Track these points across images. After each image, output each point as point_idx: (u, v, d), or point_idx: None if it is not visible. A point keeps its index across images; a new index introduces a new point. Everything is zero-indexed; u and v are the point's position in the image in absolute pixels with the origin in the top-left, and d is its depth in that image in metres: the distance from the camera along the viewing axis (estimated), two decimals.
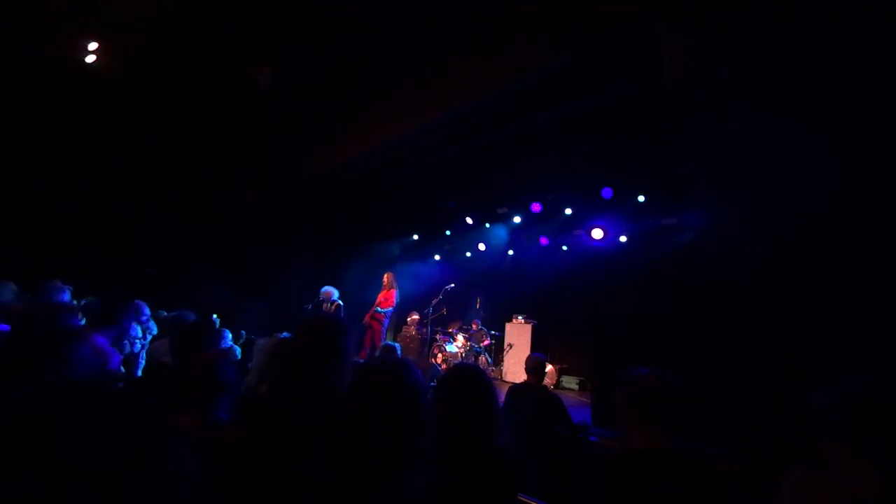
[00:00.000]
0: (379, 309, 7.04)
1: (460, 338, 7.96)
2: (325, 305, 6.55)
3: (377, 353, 3.99)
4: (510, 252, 9.25)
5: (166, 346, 2.24)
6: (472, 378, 1.71)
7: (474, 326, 8.05)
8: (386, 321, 7.18)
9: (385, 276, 7.38)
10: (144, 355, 2.67)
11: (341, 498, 0.95)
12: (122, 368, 2.41)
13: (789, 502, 1.22)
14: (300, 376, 1.36)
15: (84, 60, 5.59)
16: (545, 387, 4.03)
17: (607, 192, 6.64)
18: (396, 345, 4.22)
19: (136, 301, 2.53)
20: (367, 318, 7.09)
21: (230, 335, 2.91)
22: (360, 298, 7.39)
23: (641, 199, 6.74)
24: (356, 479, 0.96)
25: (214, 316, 3.01)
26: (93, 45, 5.59)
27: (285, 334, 3.04)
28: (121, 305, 2.15)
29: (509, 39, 4.92)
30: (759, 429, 3.10)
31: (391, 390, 1.04)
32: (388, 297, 7.11)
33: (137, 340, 2.44)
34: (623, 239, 7.44)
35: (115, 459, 0.47)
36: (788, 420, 2.83)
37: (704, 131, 3.67)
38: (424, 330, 8.19)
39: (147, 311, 2.62)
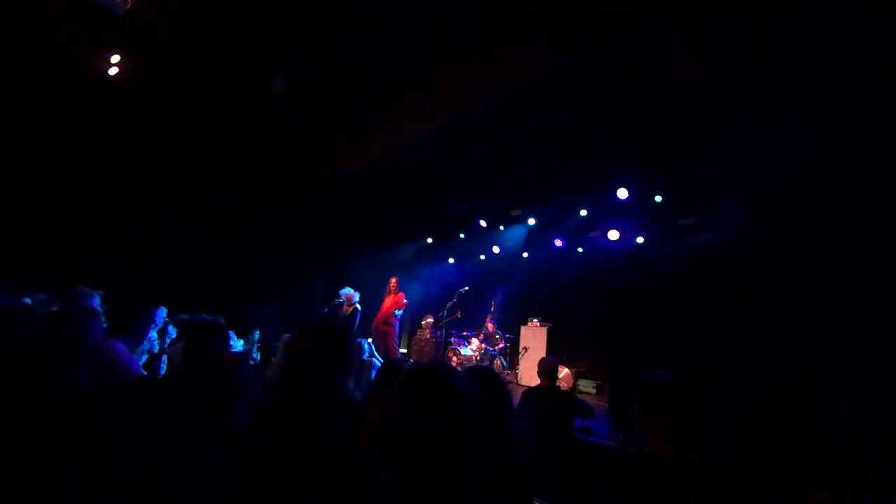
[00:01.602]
0: (396, 311, 7.07)
1: (475, 341, 7.94)
2: (343, 307, 6.60)
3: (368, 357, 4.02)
4: (525, 254, 9.20)
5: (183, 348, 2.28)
6: (487, 381, 1.71)
7: (489, 327, 8.01)
8: (398, 324, 7.20)
9: (392, 280, 7.41)
10: (165, 359, 2.73)
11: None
12: (145, 372, 2.47)
13: None
14: (300, 379, 1.36)
15: (107, 73, 5.78)
16: (558, 388, 4.02)
17: (623, 193, 6.55)
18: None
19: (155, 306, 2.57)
20: (379, 325, 7.10)
21: (234, 334, 2.96)
22: (374, 301, 7.44)
23: (658, 199, 6.64)
24: (427, 471, 0.97)
25: (221, 319, 3.04)
26: (115, 58, 5.77)
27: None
28: (144, 313, 2.19)
29: (522, 39, 4.91)
30: (779, 433, 3.02)
31: (449, 383, 1.06)
32: (398, 301, 7.13)
33: (155, 342, 2.49)
34: (640, 240, 7.33)
35: (152, 457, 0.49)
36: (809, 426, 2.75)
37: (719, 131, 3.61)
38: (439, 333, 8.20)
39: (164, 314, 2.68)
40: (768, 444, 3.01)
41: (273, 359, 4.20)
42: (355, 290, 6.66)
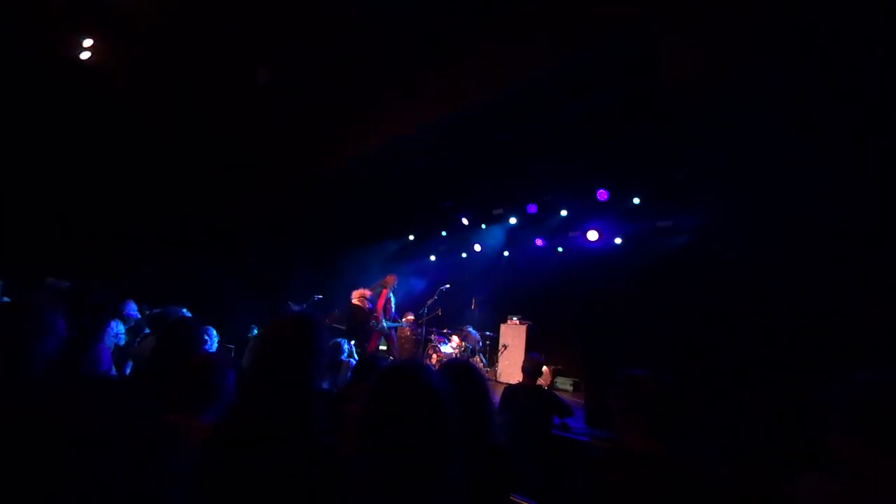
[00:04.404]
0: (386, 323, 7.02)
1: (455, 338, 7.95)
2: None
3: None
4: (506, 253, 9.25)
5: (152, 344, 2.20)
6: (464, 374, 1.70)
7: (463, 332, 8.05)
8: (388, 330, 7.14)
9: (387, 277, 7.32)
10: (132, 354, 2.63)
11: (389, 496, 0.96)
12: (114, 370, 2.37)
13: None
14: (269, 375, 1.34)
15: (78, 57, 5.55)
16: (540, 386, 4.05)
17: (603, 195, 6.65)
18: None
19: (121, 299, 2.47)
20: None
21: (214, 332, 2.88)
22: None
23: (636, 201, 6.77)
24: (396, 475, 0.96)
25: (184, 310, 2.94)
26: (87, 42, 5.55)
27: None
28: (98, 303, 2.10)
29: (507, 41, 4.92)
30: (752, 431, 3.10)
31: (420, 386, 1.04)
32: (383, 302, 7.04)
33: (122, 336, 2.40)
34: (618, 241, 7.46)
35: (111, 456, 0.47)
36: (782, 422, 2.84)
37: (701, 133, 3.68)
38: (419, 330, 8.17)
39: (134, 309, 2.57)
40: (745, 441, 3.09)
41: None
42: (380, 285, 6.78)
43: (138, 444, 0.52)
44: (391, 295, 7.07)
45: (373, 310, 6.91)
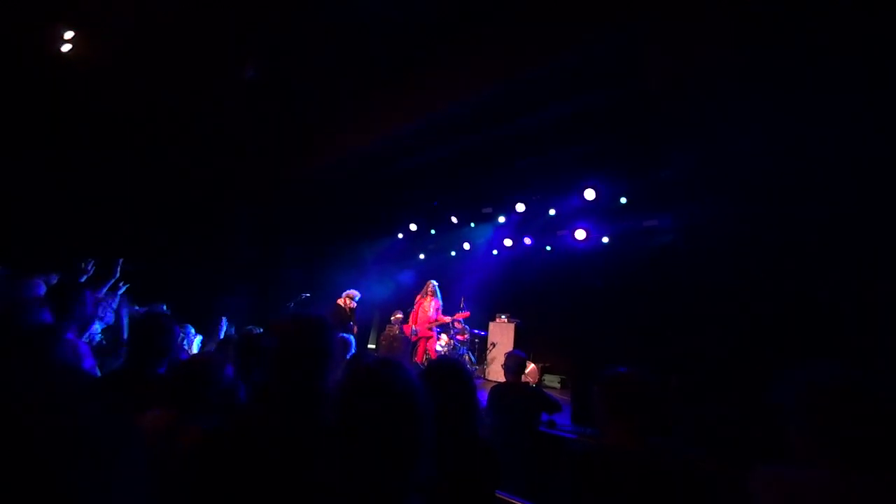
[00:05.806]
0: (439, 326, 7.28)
1: (444, 336, 7.97)
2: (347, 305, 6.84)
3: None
4: (494, 251, 9.28)
5: None
6: (452, 370, 1.72)
7: (457, 325, 8.08)
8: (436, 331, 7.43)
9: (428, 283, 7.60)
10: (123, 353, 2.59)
11: (348, 496, 0.95)
12: (97, 371, 2.34)
13: (758, 501, 1.23)
14: (285, 377, 1.34)
15: (59, 49, 5.44)
16: (527, 384, 4.08)
17: (590, 194, 6.71)
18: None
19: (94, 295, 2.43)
20: (422, 330, 7.35)
21: (192, 329, 2.86)
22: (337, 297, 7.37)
23: (623, 200, 6.84)
24: (362, 477, 0.95)
25: (164, 307, 2.93)
26: (68, 34, 5.44)
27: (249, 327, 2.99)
28: (74, 298, 2.07)
29: (495, 41, 4.94)
30: (737, 427, 3.17)
31: (385, 388, 1.02)
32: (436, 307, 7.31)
33: (96, 335, 2.37)
34: (605, 240, 7.52)
35: (73, 451, 0.47)
36: (764, 418, 2.90)
37: (686, 134, 3.74)
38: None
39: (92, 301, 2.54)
40: (728, 437, 3.15)
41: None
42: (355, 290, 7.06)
43: (100, 445, 0.52)
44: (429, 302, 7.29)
45: (355, 311, 7.06)
